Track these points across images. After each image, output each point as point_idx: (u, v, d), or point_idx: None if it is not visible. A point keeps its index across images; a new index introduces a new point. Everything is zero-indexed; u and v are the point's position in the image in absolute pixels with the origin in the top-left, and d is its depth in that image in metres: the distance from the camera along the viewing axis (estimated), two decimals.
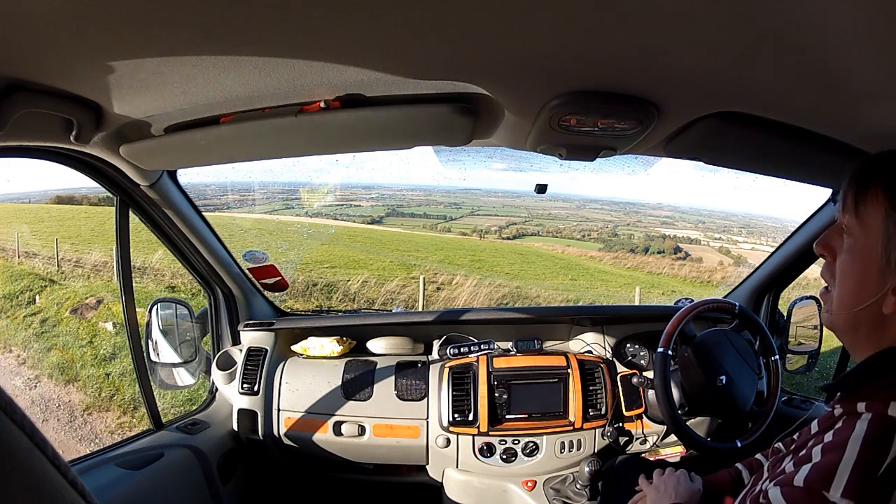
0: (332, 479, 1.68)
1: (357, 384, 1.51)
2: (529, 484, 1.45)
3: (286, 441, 1.52)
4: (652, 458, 1.50)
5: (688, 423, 1.35)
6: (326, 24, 0.56)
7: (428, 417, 1.48)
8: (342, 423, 1.48)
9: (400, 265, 11.84)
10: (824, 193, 1.31)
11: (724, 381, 1.29)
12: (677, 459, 1.53)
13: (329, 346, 1.60)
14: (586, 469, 1.33)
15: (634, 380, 1.46)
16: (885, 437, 0.55)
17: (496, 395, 1.47)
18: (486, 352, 1.55)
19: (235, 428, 1.52)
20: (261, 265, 1.62)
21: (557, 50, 0.61)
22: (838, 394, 0.66)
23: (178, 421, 1.45)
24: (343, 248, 12.84)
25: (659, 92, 0.73)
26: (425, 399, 1.49)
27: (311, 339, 1.62)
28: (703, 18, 0.52)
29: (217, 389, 1.60)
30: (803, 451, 0.63)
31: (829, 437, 0.61)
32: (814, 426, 0.68)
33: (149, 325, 1.47)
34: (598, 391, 1.49)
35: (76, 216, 14.30)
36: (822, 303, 0.70)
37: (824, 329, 1.53)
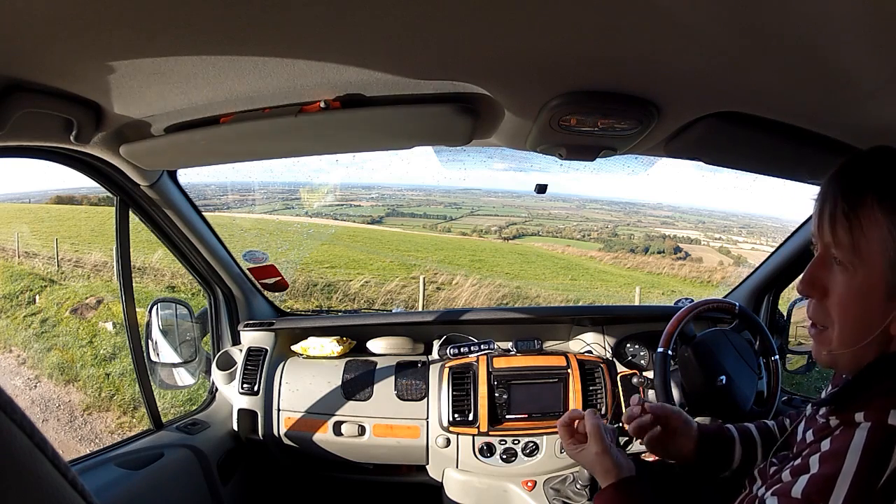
0: (332, 479, 1.68)
1: (357, 384, 1.51)
2: (529, 484, 1.44)
3: (286, 441, 1.52)
4: (651, 459, 1.50)
5: None
6: (326, 24, 0.56)
7: (428, 417, 1.48)
8: (342, 423, 1.48)
9: (400, 265, 11.84)
10: None
11: (724, 381, 1.29)
12: None
13: (329, 346, 1.60)
14: (586, 469, 1.33)
15: (634, 380, 1.46)
16: (886, 447, 0.53)
17: (496, 395, 1.47)
18: (486, 352, 1.55)
19: (235, 428, 1.52)
20: (261, 265, 1.62)
21: (557, 50, 0.61)
22: (827, 407, 0.64)
23: (178, 421, 1.45)
24: (343, 248, 12.85)
25: (659, 92, 0.73)
26: (425, 399, 1.49)
27: (311, 339, 1.62)
28: (703, 19, 0.52)
29: (217, 389, 1.60)
30: (799, 460, 0.61)
31: (826, 445, 0.58)
32: (809, 436, 0.65)
33: (149, 325, 1.47)
34: (598, 391, 1.49)
35: (76, 216, 14.31)
36: (814, 341, 0.63)
37: None
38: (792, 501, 0.56)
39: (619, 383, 1.52)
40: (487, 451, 1.45)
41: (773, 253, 1.62)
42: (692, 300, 1.48)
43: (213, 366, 1.58)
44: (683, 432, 0.93)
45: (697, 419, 1.42)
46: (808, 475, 0.57)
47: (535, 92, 0.74)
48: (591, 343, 1.66)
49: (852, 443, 0.55)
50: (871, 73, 0.62)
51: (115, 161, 1.04)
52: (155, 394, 1.38)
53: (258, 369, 1.54)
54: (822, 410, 0.66)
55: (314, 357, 1.61)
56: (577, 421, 0.89)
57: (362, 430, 1.48)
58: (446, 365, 1.52)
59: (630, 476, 0.80)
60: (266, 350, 1.58)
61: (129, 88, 0.74)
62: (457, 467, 1.47)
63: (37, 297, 7.98)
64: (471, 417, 1.45)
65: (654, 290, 11.55)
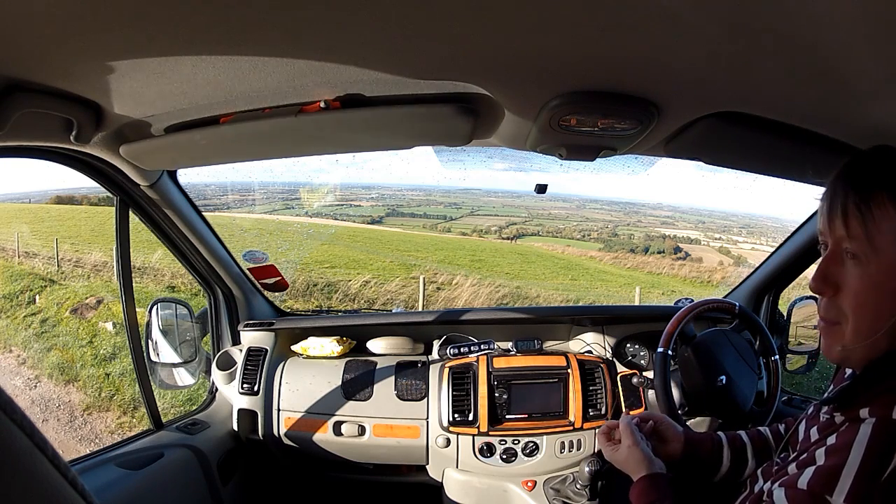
0: (332, 479, 1.68)
1: (357, 384, 1.51)
2: (529, 484, 1.45)
3: (286, 441, 1.52)
4: None
5: (688, 424, 1.35)
6: (326, 24, 0.56)
7: (428, 417, 1.48)
8: (342, 423, 1.48)
9: (400, 265, 11.85)
10: None
11: (724, 381, 1.29)
12: None
13: (329, 346, 1.60)
14: (586, 469, 1.33)
15: (634, 380, 1.46)
16: (890, 441, 0.54)
17: (496, 395, 1.47)
18: (486, 352, 1.55)
19: (235, 428, 1.52)
20: (261, 265, 1.62)
21: (557, 50, 0.61)
22: (830, 406, 0.65)
23: (178, 421, 1.45)
24: (343, 248, 12.85)
25: (659, 92, 0.73)
26: (425, 399, 1.49)
27: (311, 339, 1.62)
28: (703, 18, 0.52)
29: (217, 389, 1.60)
30: (805, 455, 0.63)
31: (832, 440, 0.60)
32: (813, 433, 0.66)
33: (149, 325, 1.47)
34: (598, 391, 1.49)
35: (76, 216, 14.31)
36: (825, 338, 0.63)
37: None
38: (798, 492, 0.58)
39: (619, 383, 1.52)
40: (487, 451, 1.45)
41: (773, 253, 1.62)
42: (692, 300, 1.48)
43: (213, 366, 1.58)
44: (670, 436, 0.97)
45: (696, 420, 1.43)
46: (814, 467, 0.58)
47: (535, 92, 0.74)
48: (591, 343, 1.66)
49: (857, 437, 0.56)
50: (871, 73, 0.62)
51: (115, 161, 1.04)
52: (155, 394, 1.38)
53: (258, 369, 1.54)
54: (826, 408, 0.67)
55: (314, 357, 1.60)
56: (615, 430, 0.96)
57: (362, 430, 1.48)
58: (446, 365, 1.52)
59: (662, 472, 0.84)
60: (266, 350, 1.58)
61: (129, 88, 0.74)
62: (457, 467, 1.47)
63: (37, 297, 7.98)
64: (471, 417, 1.45)
65: (654, 290, 11.55)
